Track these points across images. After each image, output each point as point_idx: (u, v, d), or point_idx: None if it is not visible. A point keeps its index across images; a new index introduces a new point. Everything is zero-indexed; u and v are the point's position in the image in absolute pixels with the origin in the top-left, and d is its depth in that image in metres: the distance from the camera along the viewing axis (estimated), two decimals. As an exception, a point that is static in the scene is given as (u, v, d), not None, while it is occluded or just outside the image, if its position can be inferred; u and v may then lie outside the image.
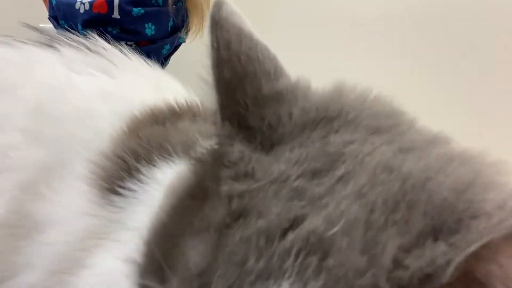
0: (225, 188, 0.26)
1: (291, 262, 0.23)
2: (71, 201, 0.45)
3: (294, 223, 0.24)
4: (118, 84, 0.54)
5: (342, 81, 0.32)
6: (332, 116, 0.28)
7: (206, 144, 0.32)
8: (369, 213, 0.23)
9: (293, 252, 0.23)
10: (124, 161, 0.46)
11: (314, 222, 0.24)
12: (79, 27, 0.82)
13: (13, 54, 0.55)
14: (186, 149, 0.43)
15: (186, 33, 0.98)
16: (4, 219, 0.46)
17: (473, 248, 0.21)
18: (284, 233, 0.24)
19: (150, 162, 0.45)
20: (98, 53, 0.56)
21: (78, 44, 0.57)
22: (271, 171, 0.26)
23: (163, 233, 0.30)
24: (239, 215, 0.25)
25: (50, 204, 0.45)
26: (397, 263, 0.22)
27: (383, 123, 0.29)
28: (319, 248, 0.23)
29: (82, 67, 0.55)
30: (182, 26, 0.96)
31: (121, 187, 0.44)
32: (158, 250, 0.28)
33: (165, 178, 0.42)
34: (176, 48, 1.02)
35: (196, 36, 1.00)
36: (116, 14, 0.84)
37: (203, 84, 0.31)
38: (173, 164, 0.45)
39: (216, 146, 0.30)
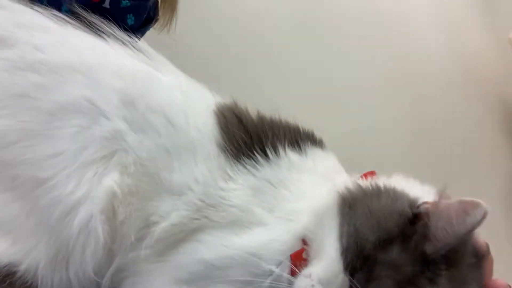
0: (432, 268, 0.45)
1: None
2: (202, 170, 0.56)
3: None
4: (181, 81, 0.63)
5: None
6: None
7: None
8: None
9: None
10: (248, 140, 0.58)
11: None
12: (64, 7, 0.76)
13: (76, 35, 0.61)
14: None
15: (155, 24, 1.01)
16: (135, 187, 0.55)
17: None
18: None
19: (277, 145, 0.59)
20: (140, 51, 0.63)
21: (122, 39, 0.63)
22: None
23: (372, 250, 0.46)
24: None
25: (179, 175, 0.56)
26: None
27: None
28: None
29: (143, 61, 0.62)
30: (153, 18, 0.98)
31: (255, 154, 0.58)
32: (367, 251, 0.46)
33: (296, 160, 0.59)
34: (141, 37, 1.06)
35: (164, 28, 1.02)
36: (106, 4, 0.84)
37: None
38: (304, 155, 0.60)
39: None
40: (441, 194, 0.47)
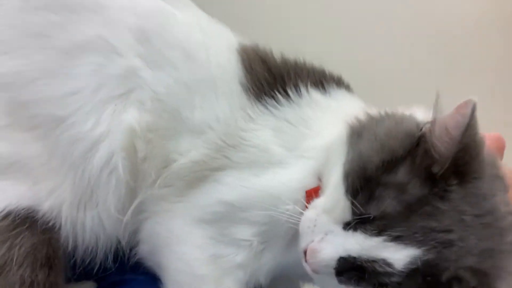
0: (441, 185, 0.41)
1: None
2: (223, 108, 0.55)
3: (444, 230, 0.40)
4: (200, 18, 0.61)
5: None
6: None
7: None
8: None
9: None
10: (271, 80, 0.56)
11: (449, 236, 0.40)
12: None
13: None
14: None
15: None
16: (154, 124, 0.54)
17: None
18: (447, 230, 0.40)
19: (299, 85, 0.57)
20: None
21: None
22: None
23: (374, 172, 0.44)
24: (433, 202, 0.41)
25: (200, 112, 0.54)
26: None
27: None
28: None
29: None
30: None
31: (277, 94, 0.56)
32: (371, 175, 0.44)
33: (319, 99, 0.57)
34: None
35: None
36: None
37: None
38: (328, 94, 0.58)
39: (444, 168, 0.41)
40: (436, 108, 0.43)
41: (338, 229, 0.45)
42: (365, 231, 0.42)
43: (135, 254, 0.56)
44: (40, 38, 0.52)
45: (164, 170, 0.54)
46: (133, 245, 0.56)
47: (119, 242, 0.55)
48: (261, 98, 0.56)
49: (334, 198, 0.46)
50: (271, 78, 0.57)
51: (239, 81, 0.56)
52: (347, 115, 0.53)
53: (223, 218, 0.53)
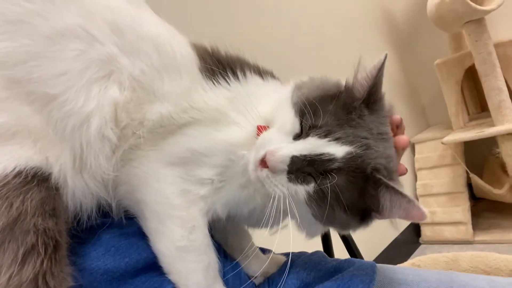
0: (359, 111, 0.62)
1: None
2: (186, 81, 0.67)
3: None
4: (159, 19, 0.71)
5: None
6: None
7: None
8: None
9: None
10: (221, 67, 0.70)
11: (367, 142, 0.60)
12: None
13: None
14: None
15: None
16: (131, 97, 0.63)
17: None
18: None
19: (246, 70, 0.72)
20: None
21: None
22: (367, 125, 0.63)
23: (316, 101, 0.62)
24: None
25: (169, 85, 0.65)
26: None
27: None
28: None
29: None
30: None
31: (228, 75, 0.70)
32: (314, 105, 0.62)
33: (261, 82, 0.73)
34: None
35: None
36: None
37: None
38: (267, 81, 0.74)
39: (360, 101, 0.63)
40: (358, 67, 0.65)
41: (290, 139, 0.62)
42: (316, 135, 0.60)
43: (115, 197, 0.65)
44: (21, 24, 0.57)
45: (140, 128, 0.64)
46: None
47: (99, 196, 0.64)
48: (215, 78, 0.69)
49: (286, 119, 0.63)
50: (221, 65, 0.70)
51: (197, 66, 0.69)
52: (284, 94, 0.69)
53: (190, 162, 0.65)
